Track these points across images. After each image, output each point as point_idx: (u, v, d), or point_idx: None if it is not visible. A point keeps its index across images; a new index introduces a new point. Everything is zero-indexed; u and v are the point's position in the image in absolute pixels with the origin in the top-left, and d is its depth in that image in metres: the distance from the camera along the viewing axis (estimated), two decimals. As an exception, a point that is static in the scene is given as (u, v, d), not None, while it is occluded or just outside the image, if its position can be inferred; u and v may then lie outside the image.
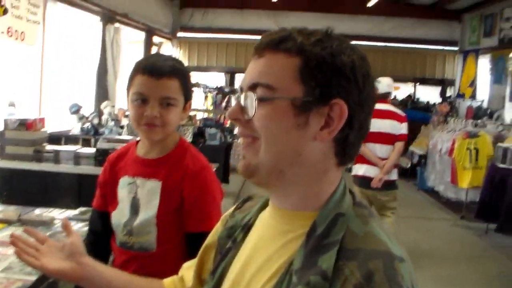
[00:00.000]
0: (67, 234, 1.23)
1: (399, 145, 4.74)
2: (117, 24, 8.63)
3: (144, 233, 1.69)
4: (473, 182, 6.74)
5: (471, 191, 6.90)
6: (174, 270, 1.58)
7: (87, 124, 6.83)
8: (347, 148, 0.88)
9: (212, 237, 1.14)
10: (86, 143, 6.64)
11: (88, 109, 7.51)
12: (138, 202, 1.71)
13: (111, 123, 7.14)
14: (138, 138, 1.82)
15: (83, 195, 3.63)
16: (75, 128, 6.83)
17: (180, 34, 13.10)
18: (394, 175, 4.83)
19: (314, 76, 0.84)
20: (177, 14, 12.84)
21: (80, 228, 2.33)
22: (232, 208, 1.13)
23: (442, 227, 6.64)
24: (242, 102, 0.89)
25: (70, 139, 6.52)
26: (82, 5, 7.48)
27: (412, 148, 9.05)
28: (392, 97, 5.47)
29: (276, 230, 0.91)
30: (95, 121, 7.12)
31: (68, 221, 1.30)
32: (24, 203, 2.78)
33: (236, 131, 8.82)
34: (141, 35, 10.67)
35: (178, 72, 1.67)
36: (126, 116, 8.06)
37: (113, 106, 7.79)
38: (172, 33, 12.73)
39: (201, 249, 1.16)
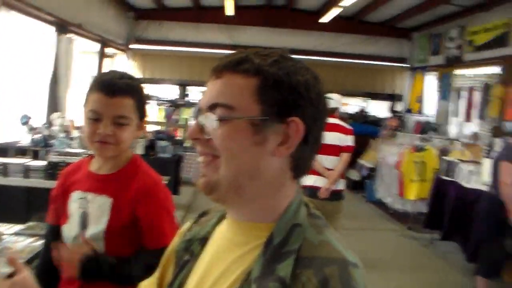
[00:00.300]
0: (15, 270, 1.21)
1: (345, 156, 4.90)
2: (70, 35, 8.48)
3: None
4: (419, 194, 6.94)
5: (417, 203, 7.10)
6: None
7: (37, 136, 6.66)
8: (302, 162, 0.93)
9: (170, 251, 1.15)
10: (36, 154, 6.48)
11: (39, 120, 7.32)
12: (87, 217, 1.70)
13: (62, 135, 6.99)
14: (90, 152, 1.80)
15: (32, 209, 3.53)
16: (24, 139, 6.65)
17: (134, 46, 12.98)
18: (341, 185, 4.98)
19: (271, 95, 0.87)
20: (132, 25, 12.73)
21: (30, 243, 2.26)
22: (189, 223, 1.14)
23: (390, 237, 6.78)
24: (201, 122, 0.91)
25: (19, 151, 6.34)
26: (36, 15, 7.32)
27: (361, 161, 9.23)
28: (341, 111, 5.62)
29: (232, 242, 0.94)
30: (45, 132, 6.95)
31: (14, 257, 1.27)
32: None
33: (186, 143, 8.82)
34: (95, 46, 10.51)
35: (132, 90, 1.66)
36: (77, 128, 7.91)
37: (64, 118, 7.63)
38: (126, 45, 12.60)
39: (160, 263, 1.16)
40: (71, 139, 6.88)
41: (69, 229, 1.72)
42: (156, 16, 12.84)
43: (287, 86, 0.87)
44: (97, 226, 1.67)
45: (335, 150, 4.84)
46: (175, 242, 1.13)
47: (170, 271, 1.10)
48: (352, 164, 9.41)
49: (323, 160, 4.77)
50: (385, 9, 10.94)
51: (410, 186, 6.99)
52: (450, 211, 5.82)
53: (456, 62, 10.30)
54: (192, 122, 0.94)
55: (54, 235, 1.79)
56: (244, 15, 12.45)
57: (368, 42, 12.99)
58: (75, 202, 1.73)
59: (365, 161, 9.10)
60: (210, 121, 0.89)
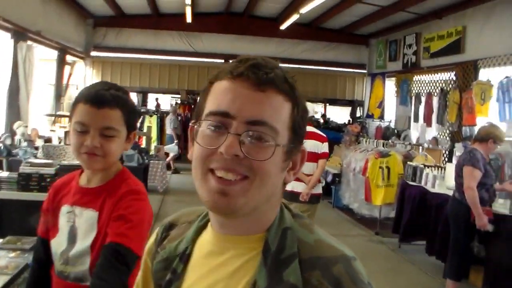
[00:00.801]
0: None
1: (322, 162, 5.19)
2: (29, 42, 8.27)
3: (78, 263, 1.64)
4: (385, 199, 7.08)
5: (384, 208, 7.25)
6: None
7: (-1, 145, 6.45)
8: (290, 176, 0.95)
9: (143, 274, 1.10)
10: (-1, 165, 6.27)
11: (-1, 130, 7.11)
12: (76, 231, 1.66)
13: (24, 144, 6.81)
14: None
15: (5, 222, 3.42)
16: (-16, 150, 6.42)
17: (94, 53, 12.77)
18: (319, 189, 5.30)
19: (297, 124, 0.88)
20: (91, 33, 12.52)
21: (12, 258, 2.19)
22: (153, 239, 1.09)
23: (358, 243, 6.87)
24: (243, 139, 0.83)
25: (-20, 162, 6.11)
26: (-7, 22, 7.11)
27: (326, 167, 9.33)
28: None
29: (223, 256, 0.91)
30: (8, 141, 6.75)
31: None
32: None
33: (153, 151, 8.69)
34: (54, 53, 10.29)
35: (120, 102, 1.62)
36: (40, 137, 7.71)
37: (26, 126, 7.44)
38: (86, 52, 12.39)
39: (137, 283, 1.12)
40: (36, 148, 6.71)
41: (58, 243, 1.68)
42: (115, 23, 12.70)
43: (304, 116, 0.90)
44: (84, 241, 1.64)
45: (312, 157, 5.08)
46: (147, 264, 1.09)
47: None
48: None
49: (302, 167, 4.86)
50: (342, 16, 11.19)
51: (376, 191, 7.12)
52: (415, 214, 6.02)
53: (414, 68, 10.61)
54: (212, 130, 0.86)
55: (44, 248, 1.75)
56: (203, 22, 12.48)
57: (328, 49, 13.23)
58: (64, 216, 1.70)
59: (329, 167, 9.21)
60: (258, 141, 0.84)
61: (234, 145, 0.82)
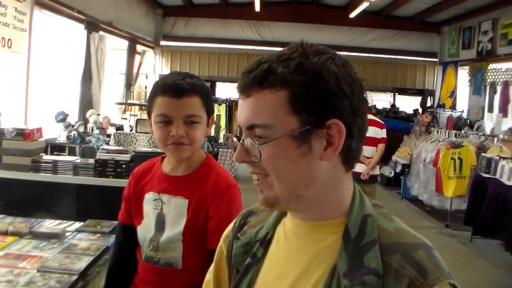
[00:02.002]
0: None
1: (381, 146, 5.92)
2: (101, 32, 8.61)
3: (170, 249, 1.70)
4: (457, 191, 6.88)
5: (455, 200, 7.04)
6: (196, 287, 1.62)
7: (73, 133, 6.78)
8: (352, 154, 0.92)
9: (219, 257, 1.14)
10: (72, 151, 6.61)
11: (72, 118, 7.45)
12: (164, 218, 1.72)
13: (97, 131, 7.11)
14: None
15: (81, 206, 3.59)
16: (61, 136, 6.77)
17: (163, 42, 13.10)
18: (377, 171, 6.15)
19: (304, 104, 0.85)
20: (160, 23, 12.84)
21: (94, 240, 2.32)
22: (231, 227, 1.13)
23: (427, 235, 6.55)
24: (245, 145, 0.91)
25: (56, 147, 6.47)
26: (68, 13, 7.45)
27: (395, 157, 9.17)
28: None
29: (304, 241, 0.94)
30: (81, 129, 7.07)
31: None
32: (21, 214, 2.75)
33: (222, 139, 8.88)
34: (125, 43, 10.64)
35: (198, 89, 1.66)
36: (112, 125, 8.03)
37: (98, 115, 7.75)
38: (155, 42, 12.73)
39: (212, 273, 1.16)
40: (108, 136, 7.00)
41: (145, 230, 1.74)
42: (184, 13, 12.95)
43: (317, 89, 0.85)
44: (175, 228, 1.69)
45: (372, 141, 5.84)
46: (221, 250, 1.13)
47: (225, 279, 1.10)
48: (385, 160, 9.41)
49: (363, 150, 4.98)
50: (413, 3, 10.85)
51: (447, 183, 6.92)
52: (492, 209, 5.79)
53: (489, 56, 10.17)
54: (234, 140, 0.97)
55: (126, 234, 1.83)
56: (272, 11, 12.47)
57: (397, 37, 12.91)
58: (150, 203, 1.75)
59: (399, 157, 9.04)
60: (252, 145, 0.89)
61: (237, 154, 0.92)
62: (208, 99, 1.72)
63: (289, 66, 0.86)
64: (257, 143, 0.87)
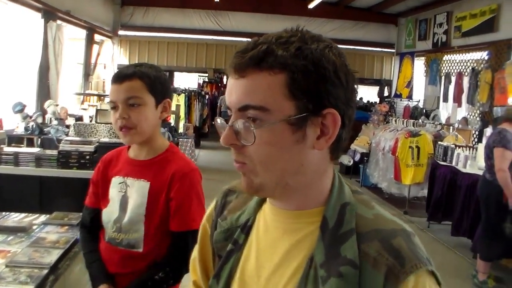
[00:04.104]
0: None
1: None
2: (59, 22, 8.39)
3: (132, 230, 1.76)
4: (415, 178, 7.08)
5: (413, 187, 7.24)
6: (154, 268, 1.70)
7: (31, 124, 6.62)
8: (341, 145, 0.91)
9: (203, 241, 1.13)
10: (30, 142, 6.45)
11: (30, 108, 7.25)
12: (127, 200, 1.78)
13: (55, 122, 6.96)
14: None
15: (45, 199, 3.52)
16: (19, 127, 6.60)
17: (121, 32, 12.87)
18: None
19: (303, 90, 0.83)
20: (118, 12, 12.61)
21: (62, 233, 2.28)
22: (213, 205, 1.12)
23: (387, 222, 6.88)
24: (236, 127, 0.86)
25: (14, 139, 6.30)
26: (24, 1, 7.24)
27: (353, 146, 9.32)
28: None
29: (283, 230, 0.93)
30: (39, 120, 6.91)
31: None
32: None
33: (182, 129, 8.79)
34: (83, 33, 10.41)
35: (140, 74, 1.73)
36: (70, 116, 7.87)
37: (57, 105, 7.58)
38: (113, 31, 12.49)
39: (197, 253, 1.15)
40: (67, 126, 6.86)
41: (110, 212, 1.80)
42: (143, 2, 12.77)
43: (316, 76, 0.82)
44: (136, 209, 1.75)
45: None
46: (206, 226, 1.12)
47: (210, 258, 1.10)
48: (344, 149, 9.54)
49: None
50: (371, -6, 11.01)
51: (406, 171, 7.11)
52: (446, 195, 6.03)
53: (444, 47, 10.45)
54: (222, 122, 0.90)
55: (93, 217, 1.88)
56: (231, 1, 12.43)
57: (356, 28, 13.10)
58: (115, 187, 1.81)
59: (357, 146, 9.20)
60: (246, 127, 0.84)
61: (226, 136, 0.87)
62: (153, 82, 1.76)
63: (288, 49, 0.83)
64: (252, 126, 0.83)
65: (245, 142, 0.85)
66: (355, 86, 0.90)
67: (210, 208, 1.14)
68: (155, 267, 1.72)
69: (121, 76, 1.72)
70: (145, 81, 1.72)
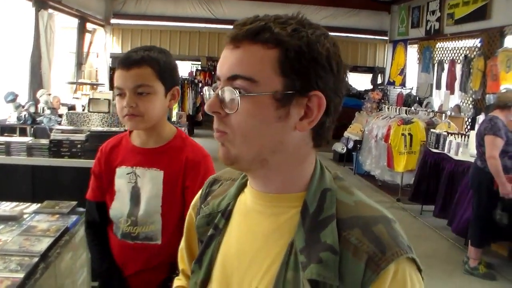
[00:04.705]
0: None
1: None
2: (50, 10, 8.32)
3: (149, 222, 1.70)
4: (407, 166, 7.11)
5: (406, 175, 7.28)
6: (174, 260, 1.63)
7: (24, 113, 6.59)
8: (324, 132, 0.91)
9: (188, 228, 1.16)
10: (23, 132, 6.43)
11: (22, 98, 7.22)
12: (139, 192, 1.71)
13: (48, 112, 6.93)
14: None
15: (37, 188, 3.52)
16: (11, 117, 6.57)
17: (114, 21, 12.78)
18: None
19: (293, 68, 0.84)
20: (110, 0, 12.51)
21: (53, 222, 2.28)
22: (198, 195, 1.14)
23: (379, 209, 6.91)
24: (221, 94, 0.87)
25: (6, 129, 6.28)
26: (13, -11, 7.16)
27: (347, 133, 9.36)
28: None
29: (263, 214, 0.93)
30: (32, 109, 6.89)
31: None
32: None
33: (175, 118, 8.73)
34: (75, 21, 10.33)
35: (149, 60, 1.65)
36: (63, 105, 7.83)
37: (49, 95, 7.54)
38: (105, 20, 12.40)
39: (184, 238, 1.18)
40: (60, 116, 6.83)
41: (120, 206, 1.73)
42: (135, -10, 12.64)
43: (309, 58, 0.84)
44: (152, 200, 1.69)
45: None
46: (192, 215, 1.13)
47: (195, 246, 1.11)
48: (337, 137, 9.58)
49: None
50: (365, -19, 10.97)
51: (398, 158, 7.14)
52: (435, 181, 6.11)
53: (437, 35, 10.45)
54: (210, 93, 0.90)
55: (99, 211, 1.81)
56: (224, -12, 12.34)
57: (349, 15, 13.07)
58: (122, 177, 1.74)
59: (350, 134, 9.22)
60: (231, 95, 0.85)
61: (210, 103, 0.88)
62: (163, 69, 1.68)
63: (285, 29, 0.85)
64: (237, 93, 0.84)
65: (228, 111, 0.86)
66: (345, 77, 0.92)
67: (196, 197, 1.15)
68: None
69: (129, 62, 1.63)
70: (155, 68, 1.65)
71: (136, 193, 1.71)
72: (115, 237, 1.76)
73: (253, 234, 0.93)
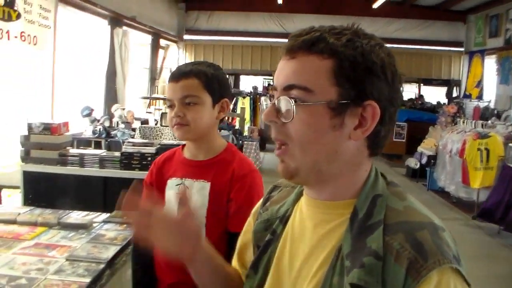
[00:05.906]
0: (180, 205, 1.15)
1: None
2: (125, 27, 8.70)
3: None
4: (484, 182, 6.77)
5: (482, 191, 6.92)
6: None
7: (99, 127, 6.89)
8: (379, 141, 0.92)
9: (246, 235, 1.18)
10: (97, 145, 6.72)
11: (97, 112, 7.56)
12: None
13: (122, 125, 7.20)
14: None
15: (108, 198, 3.65)
16: (87, 131, 6.88)
17: (186, 36, 13.18)
18: None
19: (348, 78, 0.85)
20: (183, 16, 12.93)
21: (121, 231, 2.35)
22: (260, 202, 1.16)
23: (454, 227, 6.61)
24: (278, 104, 0.90)
25: (82, 142, 6.59)
26: (91, 9, 7.55)
27: (420, 148, 9.06)
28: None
29: (316, 220, 0.95)
30: (106, 123, 7.18)
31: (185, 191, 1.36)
32: (49, 206, 2.79)
33: (247, 132, 8.91)
34: (148, 38, 10.73)
35: (196, 72, 1.72)
36: (136, 119, 8.13)
37: (123, 109, 7.85)
38: (178, 36, 12.81)
39: (237, 251, 1.20)
40: (133, 129, 7.09)
41: None
42: (207, 6, 13.02)
43: (363, 68, 0.85)
44: (198, 210, 1.71)
45: None
46: (250, 225, 1.16)
47: (250, 252, 1.12)
48: (410, 152, 9.31)
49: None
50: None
51: (474, 174, 6.82)
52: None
53: (517, 44, 9.97)
54: (268, 103, 0.93)
55: None
56: (294, 3, 12.44)
57: (422, 27, 12.77)
58: (172, 189, 1.79)
59: (424, 149, 8.93)
60: (287, 104, 0.88)
61: (267, 112, 0.91)
62: (211, 81, 1.74)
63: (340, 39, 0.87)
64: (293, 102, 0.86)
65: (284, 120, 0.88)
66: (400, 87, 0.93)
67: (257, 204, 1.18)
68: None
69: (178, 75, 1.72)
70: (202, 79, 1.71)
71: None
72: None
73: (305, 240, 0.95)
